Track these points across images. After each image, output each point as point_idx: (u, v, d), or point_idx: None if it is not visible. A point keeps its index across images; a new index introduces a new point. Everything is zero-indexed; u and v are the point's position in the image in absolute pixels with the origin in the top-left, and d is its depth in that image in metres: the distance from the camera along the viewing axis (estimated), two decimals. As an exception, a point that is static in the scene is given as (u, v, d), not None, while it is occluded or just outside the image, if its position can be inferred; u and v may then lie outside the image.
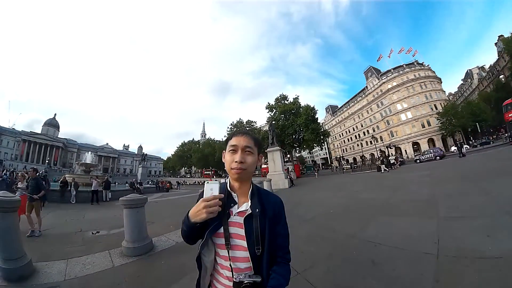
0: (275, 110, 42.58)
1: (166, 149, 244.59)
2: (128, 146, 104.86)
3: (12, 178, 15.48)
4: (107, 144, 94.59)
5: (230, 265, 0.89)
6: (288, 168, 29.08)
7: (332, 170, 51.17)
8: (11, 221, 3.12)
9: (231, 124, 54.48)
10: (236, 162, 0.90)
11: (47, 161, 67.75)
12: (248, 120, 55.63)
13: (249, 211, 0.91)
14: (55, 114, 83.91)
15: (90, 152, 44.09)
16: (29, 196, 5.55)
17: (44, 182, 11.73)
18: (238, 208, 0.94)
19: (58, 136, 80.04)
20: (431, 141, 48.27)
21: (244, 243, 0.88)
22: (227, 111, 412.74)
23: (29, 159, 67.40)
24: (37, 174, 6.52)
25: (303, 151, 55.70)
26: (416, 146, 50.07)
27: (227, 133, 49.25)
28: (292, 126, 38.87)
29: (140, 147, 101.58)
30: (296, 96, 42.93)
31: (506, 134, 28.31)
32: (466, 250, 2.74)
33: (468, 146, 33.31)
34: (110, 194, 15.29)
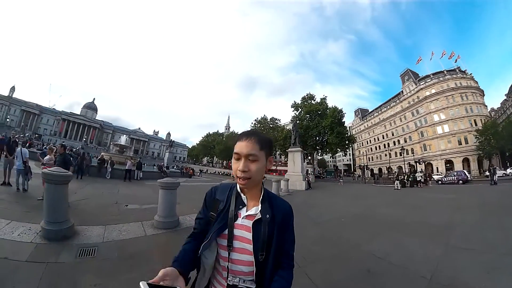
0: (300, 109, 41.71)
1: (191, 137, 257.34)
2: (157, 132, 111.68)
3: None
4: (139, 128, 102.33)
5: (227, 266, 0.88)
6: (307, 170, 28.81)
7: (354, 178, 49.28)
8: (62, 192, 3.72)
9: (255, 120, 54.74)
10: (239, 171, 0.87)
11: (84, 139, 75.65)
12: (273, 117, 55.16)
13: (259, 216, 0.89)
14: (94, 99, 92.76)
15: (125, 135, 47.94)
16: None
17: (83, 158, 13.33)
18: (246, 211, 0.92)
19: (96, 118, 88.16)
20: (466, 161, 43.13)
21: (249, 247, 0.86)
22: (252, 106, 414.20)
23: (67, 136, 75.83)
24: (65, 150, 6.59)
25: (326, 154, 54.26)
26: (449, 164, 44.87)
27: (251, 129, 49.66)
28: (317, 127, 37.86)
29: (168, 134, 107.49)
30: (324, 97, 41.76)
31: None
32: (460, 282, 2.75)
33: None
34: (142, 174, 16.85)
